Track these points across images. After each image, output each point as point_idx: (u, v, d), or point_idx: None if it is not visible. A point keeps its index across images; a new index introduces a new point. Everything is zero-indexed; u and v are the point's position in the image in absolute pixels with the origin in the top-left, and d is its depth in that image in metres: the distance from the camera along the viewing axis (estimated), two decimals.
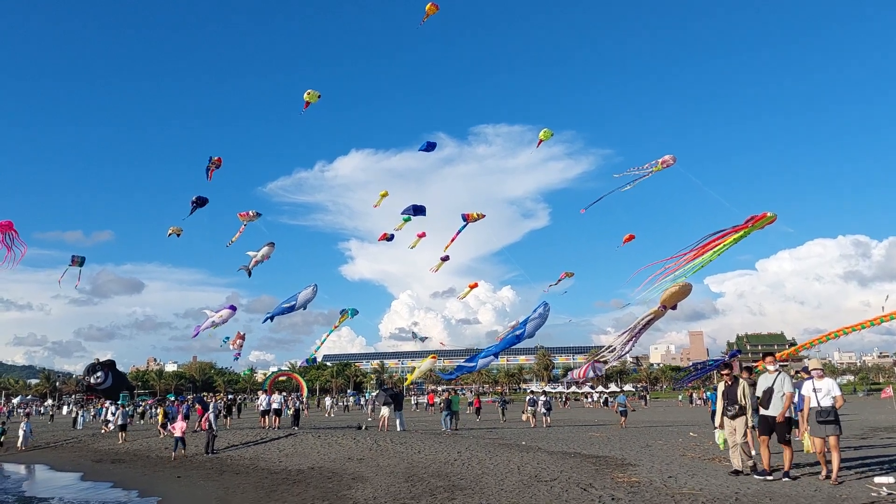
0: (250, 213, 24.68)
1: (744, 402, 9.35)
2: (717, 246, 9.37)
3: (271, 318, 25.96)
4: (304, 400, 65.25)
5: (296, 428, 24.69)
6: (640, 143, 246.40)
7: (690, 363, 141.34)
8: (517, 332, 21.05)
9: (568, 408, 64.35)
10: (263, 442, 20.58)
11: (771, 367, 9.30)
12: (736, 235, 9.21)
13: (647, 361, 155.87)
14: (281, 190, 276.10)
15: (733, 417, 9.47)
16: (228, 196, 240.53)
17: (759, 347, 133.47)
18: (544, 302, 21.71)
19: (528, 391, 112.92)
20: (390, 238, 29.48)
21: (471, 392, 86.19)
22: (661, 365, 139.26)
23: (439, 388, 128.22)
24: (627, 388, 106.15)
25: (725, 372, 9.40)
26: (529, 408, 29.95)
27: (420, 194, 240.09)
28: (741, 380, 9.58)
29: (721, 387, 9.68)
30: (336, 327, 31.00)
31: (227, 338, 32.80)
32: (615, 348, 11.48)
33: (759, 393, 9.20)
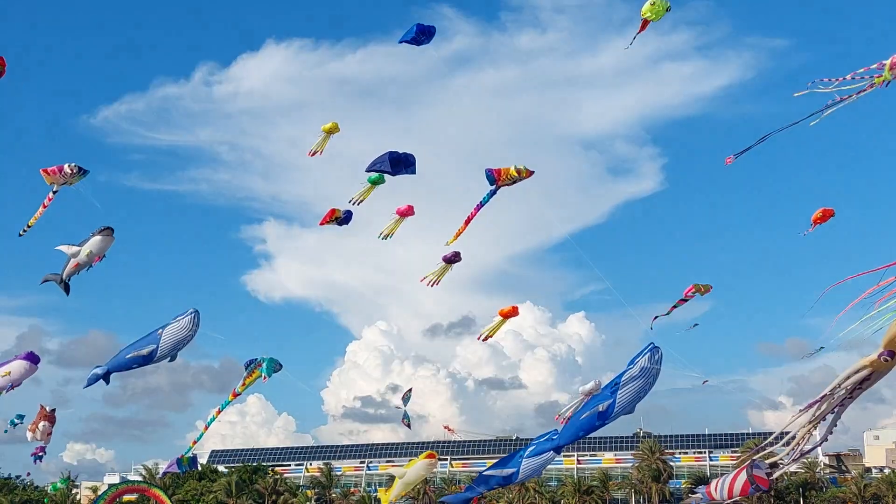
0: (65, 168, 24.83)
1: None
2: None
3: (105, 375, 26.19)
4: None
5: None
6: (845, 30, 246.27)
7: None
8: (599, 407, 21.13)
9: None
10: None
11: None
12: None
13: (860, 464, 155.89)
14: (127, 121, 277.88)
15: None
16: (25, 134, 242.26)
17: None
18: (651, 345, 21.69)
19: None
20: (344, 218, 29.63)
21: None
22: (889, 471, 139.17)
23: None
24: None
25: None
26: None
27: (404, 131, 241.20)
28: None
29: None
30: (237, 395, 31.18)
31: (20, 416, 32.98)
32: (793, 436, 11.52)
33: None
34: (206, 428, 36.82)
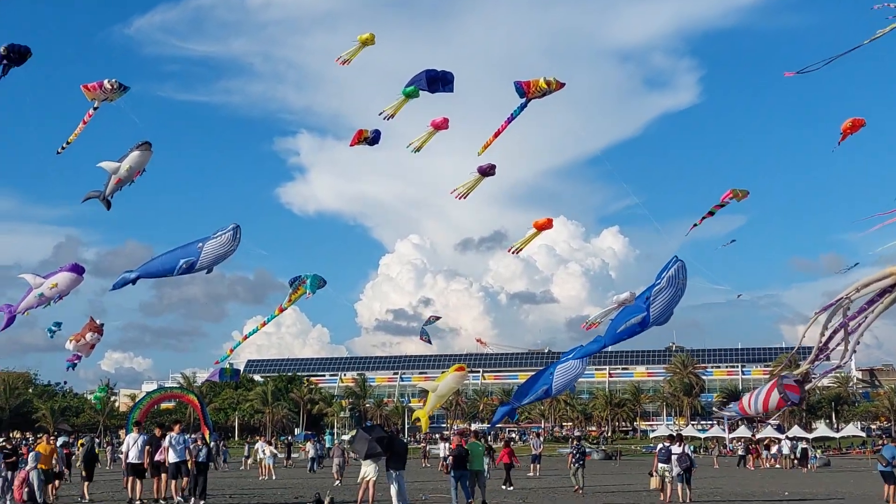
0: (106, 84, 24.94)
1: None
2: None
3: (135, 280, 26.49)
4: (219, 445, 66.55)
5: (201, 502, 25.47)
6: None
7: None
8: (633, 319, 21.30)
9: (718, 466, 65.09)
10: None
11: None
12: None
13: (893, 378, 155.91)
14: (162, 32, 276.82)
15: None
16: (61, 47, 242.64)
17: None
18: (675, 259, 21.89)
19: (653, 436, 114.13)
20: (373, 138, 29.56)
21: (522, 435, 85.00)
22: None
23: (473, 428, 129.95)
24: (852, 430, 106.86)
25: None
26: (661, 465, 31.19)
27: (438, 43, 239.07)
28: None
29: None
30: (283, 310, 31.54)
31: (58, 324, 33.39)
32: (823, 348, 11.57)
33: None
34: (245, 338, 37.34)
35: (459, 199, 30.62)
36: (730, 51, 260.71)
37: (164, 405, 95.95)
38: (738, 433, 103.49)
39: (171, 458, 26.13)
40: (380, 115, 28.51)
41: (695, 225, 31.49)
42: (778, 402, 23.93)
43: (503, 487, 37.00)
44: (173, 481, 26.11)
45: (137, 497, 25.91)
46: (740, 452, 72.46)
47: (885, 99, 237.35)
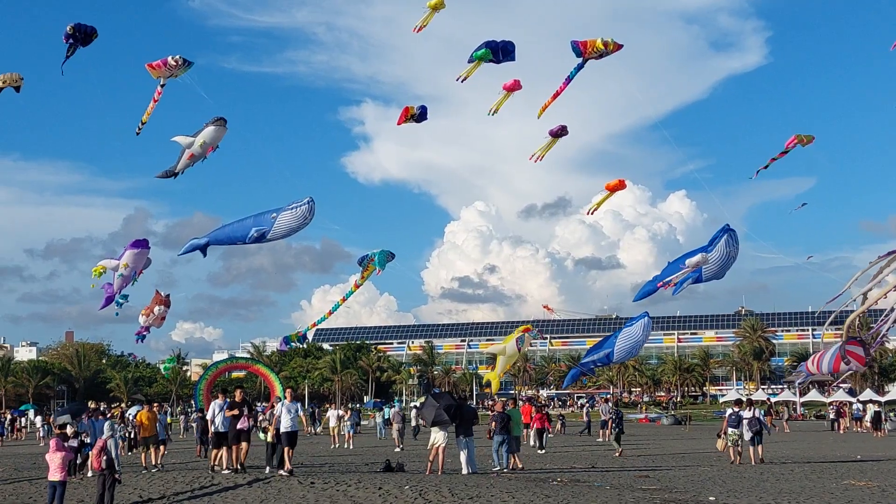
0: (170, 60, 25.18)
1: None
2: None
3: (204, 247, 26.76)
4: (311, 412, 67.52)
5: (273, 469, 25.82)
6: None
7: None
8: (687, 267, 21.58)
9: (789, 431, 64.67)
10: (206, 494, 21.70)
11: None
12: None
13: None
14: (226, 4, 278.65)
15: None
16: (126, 21, 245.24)
17: None
18: (726, 227, 21.95)
19: (722, 401, 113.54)
20: (420, 114, 29.47)
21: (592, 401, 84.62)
22: None
23: (544, 395, 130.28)
24: None
25: None
26: (731, 429, 31.30)
27: (500, 8, 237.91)
28: None
29: None
30: (358, 286, 31.87)
31: (125, 297, 33.90)
32: (894, 309, 11.43)
33: None
34: (330, 313, 37.62)
35: (536, 161, 30.67)
36: (797, 11, 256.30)
37: (234, 374, 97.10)
38: (810, 397, 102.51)
39: (285, 425, 25.41)
40: (457, 79, 28.58)
41: (761, 170, 31.25)
42: (835, 361, 23.83)
43: (539, 452, 37.66)
44: (286, 449, 25.55)
45: (228, 465, 25.70)
46: (832, 416, 71.94)
47: None
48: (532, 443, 39.97)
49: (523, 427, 35.46)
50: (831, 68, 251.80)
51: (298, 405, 27.29)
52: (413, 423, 49.50)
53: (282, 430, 25.07)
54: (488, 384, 37.05)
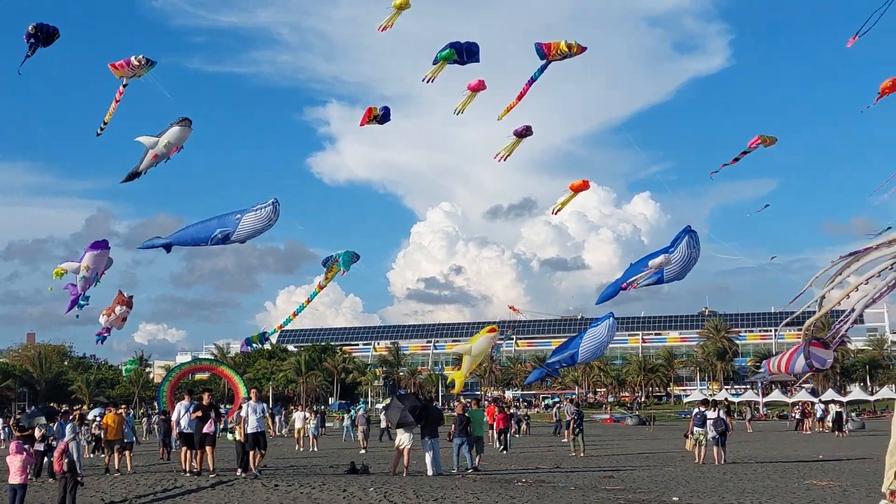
0: (133, 60, 25.01)
1: None
2: None
3: (167, 245, 26.62)
4: (282, 414, 67.09)
5: (241, 471, 25.64)
6: None
7: None
8: (651, 267, 21.71)
9: (752, 430, 65.08)
10: (169, 497, 21.55)
11: None
12: None
13: None
14: (189, 4, 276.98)
15: None
16: (89, 21, 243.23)
17: None
18: (688, 229, 22.08)
19: (686, 401, 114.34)
20: (382, 116, 29.42)
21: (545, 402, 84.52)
22: None
23: (509, 395, 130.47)
24: (887, 393, 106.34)
25: None
26: (696, 429, 31.89)
27: (465, 9, 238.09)
28: None
29: None
30: (322, 287, 31.78)
31: (86, 298, 33.53)
32: (854, 311, 11.48)
33: None
34: (295, 315, 37.41)
35: (501, 160, 30.71)
36: (760, 14, 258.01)
37: (197, 376, 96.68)
38: (773, 397, 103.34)
39: (251, 427, 25.30)
40: (423, 80, 28.54)
41: (721, 168, 31.43)
42: (798, 361, 24.00)
43: (503, 453, 37.94)
44: (251, 452, 25.46)
45: (190, 468, 25.62)
46: (797, 417, 72.63)
47: None
48: (497, 444, 40.14)
49: (486, 428, 35.59)
50: (794, 70, 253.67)
51: (265, 405, 27.20)
52: (383, 425, 49.50)
53: (248, 431, 24.98)
54: (452, 384, 37.11)
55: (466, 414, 28.55)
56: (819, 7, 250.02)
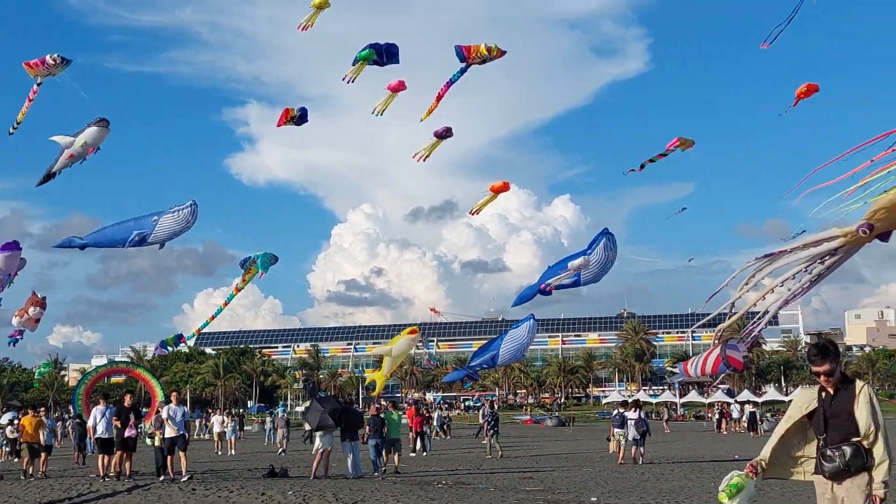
0: (48, 59, 24.59)
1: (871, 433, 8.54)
2: None
3: (83, 246, 26.25)
4: (202, 417, 66.29)
5: (167, 476, 25.32)
6: None
7: None
8: (568, 271, 21.90)
9: (669, 431, 65.94)
10: (84, 501, 21.23)
11: None
12: None
13: (841, 342, 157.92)
14: (105, 2, 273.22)
15: (839, 475, 8.69)
16: (1, 19, 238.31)
17: None
18: (605, 231, 22.30)
19: (605, 402, 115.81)
20: (300, 116, 29.29)
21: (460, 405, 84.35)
22: (869, 350, 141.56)
23: (430, 398, 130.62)
24: (798, 394, 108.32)
25: (822, 370, 8.78)
26: (617, 430, 32.58)
27: (385, 10, 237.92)
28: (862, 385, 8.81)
29: (805, 397, 9.08)
30: (239, 290, 31.54)
31: None
32: (767, 312, 11.64)
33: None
34: (213, 318, 37.07)
35: (420, 160, 30.67)
36: (677, 19, 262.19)
37: (113, 379, 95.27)
38: (690, 398, 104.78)
39: (170, 431, 25.19)
40: (343, 80, 28.38)
41: (638, 169, 31.73)
42: (714, 362, 24.39)
43: (412, 455, 38.25)
44: (170, 457, 25.28)
45: (106, 473, 25.33)
46: (716, 417, 73.78)
47: (832, 66, 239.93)
48: (417, 446, 40.32)
49: (405, 430, 35.70)
50: (711, 75, 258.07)
51: (185, 408, 26.97)
52: (308, 427, 49.52)
53: (168, 434, 24.77)
54: (373, 386, 37.13)
55: (381, 415, 28.75)
56: (736, 12, 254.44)
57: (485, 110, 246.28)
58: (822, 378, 8.42)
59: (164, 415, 25.65)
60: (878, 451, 8.01)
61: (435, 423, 60.25)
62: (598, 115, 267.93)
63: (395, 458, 28.90)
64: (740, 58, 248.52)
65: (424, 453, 38.73)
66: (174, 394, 27.75)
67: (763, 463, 8.51)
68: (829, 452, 8.16)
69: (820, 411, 8.37)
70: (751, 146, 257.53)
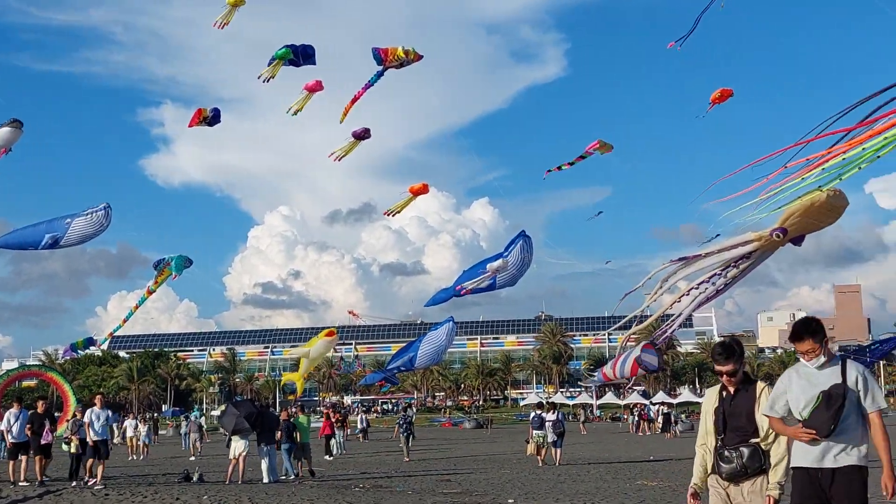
0: None
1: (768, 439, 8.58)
2: None
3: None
4: (118, 421, 65.41)
5: (80, 482, 24.88)
6: None
7: (836, 347, 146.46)
8: (485, 275, 22.00)
9: (585, 432, 66.48)
10: None
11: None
12: None
13: (753, 344, 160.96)
14: (17, 1, 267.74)
15: (736, 476, 8.70)
16: None
17: None
18: (522, 234, 22.47)
19: (523, 404, 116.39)
20: (212, 117, 29.01)
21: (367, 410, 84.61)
22: (781, 352, 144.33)
23: (349, 401, 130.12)
24: (706, 395, 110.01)
25: (726, 370, 8.79)
26: (536, 432, 32.79)
27: (303, 12, 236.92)
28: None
29: (710, 398, 9.10)
30: (151, 292, 31.13)
31: None
32: (681, 314, 11.78)
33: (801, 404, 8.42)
34: (125, 321, 36.50)
35: (337, 160, 30.53)
36: (593, 24, 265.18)
37: (24, 383, 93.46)
38: (606, 399, 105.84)
39: (94, 435, 24.65)
40: (258, 78, 28.12)
41: (554, 169, 31.91)
42: (632, 366, 24.72)
43: (328, 459, 38.42)
44: (91, 460, 24.83)
45: (21, 479, 24.81)
46: (635, 418, 74.66)
47: (748, 69, 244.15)
48: (335, 450, 40.39)
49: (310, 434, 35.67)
50: (627, 80, 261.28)
51: (109, 412, 26.57)
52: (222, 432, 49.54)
53: (92, 438, 24.39)
54: (292, 390, 37.10)
55: (292, 420, 28.90)
56: (653, 17, 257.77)
57: (404, 113, 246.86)
58: (725, 378, 8.44)
59: (86, 419, 25.24)
60: (776, 452, 8.08)
61: (359, 427, 60.54)
62: (517, 119, 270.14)
63: (305, 462, 29.02)
64: (657, 63, 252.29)
65: (330, 458, 38.80)
66: (98, 397, 27.23)
67: (698, 486, 8.55)
68: (726, 453, 8.16)
69: (720, 411, 8.39)
70: (667, 150, 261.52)
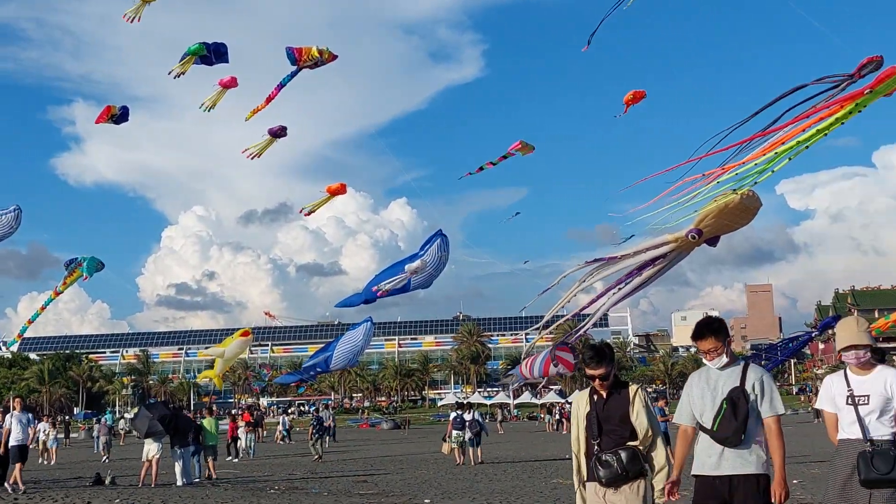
0: None
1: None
2: (807, 127, 9.64)
3: None
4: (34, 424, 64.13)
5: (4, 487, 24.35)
6: None
7: (748, 345, 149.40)
8: (398, 278, 22.01)
9: (503, 432, 66.79)
10: None
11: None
12: (845, 109, 9.47)
13: (668, 343, 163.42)
14: None
15: (616, 481, 8.75)
16: None
17: (876, 313, 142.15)
18: (439, 233, 22.53)
19: (441, 404, 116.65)
20: (121, 115, 28.62)
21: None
22: (695, 350, 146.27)
23: (265, 403, 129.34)
24: (575, 399, 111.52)
25: (597, 373, 8.88)
26: (456, 432, 32.95)
27: (221, 11, 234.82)
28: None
29: (580, 402, 9.10)
30: (59, 293, 30.65)
31: None
32: (596, 312, 11.88)
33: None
34: (31, 322, 35.81)
35: (251, 158, 30.25)
36: (510, 25, 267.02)
37: None
38: (523, 399, 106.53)
39: (14, 439, 23.99)
40: (169, 74, 27.71)
41: (476, 170, 32.03)
42: (545, 364, 24.89)
43: (227, 459, 38.55)
44: (19, 464, 24.14)
45: None
46: (557, 417, 75.25)
47: (660, 74, 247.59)
48: (241, 453, 40.98)
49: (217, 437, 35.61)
50: (544, 81, 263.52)
51: (30, 416, 26.01)
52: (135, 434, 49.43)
53: (11, 442, 23.86)
54: (209, 392, 36.97)
55: (198, 422, 28.88)
56: (568, 19, 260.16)
57: (321, 112, 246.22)
58: (597, 382, 8.45)
59: (6, 423, 24.65)
60: (658, 456, 8.14)
61: (281, 429, 60.34)
62: (435, 119, 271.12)
63: (210, 464, 29.04)
64: (574, 64, 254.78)
65: (236, 459, 38.94)
66: (18, 400, 26.60)
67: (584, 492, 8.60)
68: (605, 458, 8.14)
69: (593, 415, 8.37)
70: (583, 151, 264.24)
